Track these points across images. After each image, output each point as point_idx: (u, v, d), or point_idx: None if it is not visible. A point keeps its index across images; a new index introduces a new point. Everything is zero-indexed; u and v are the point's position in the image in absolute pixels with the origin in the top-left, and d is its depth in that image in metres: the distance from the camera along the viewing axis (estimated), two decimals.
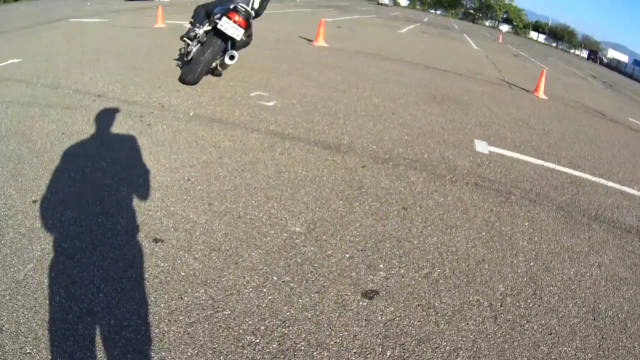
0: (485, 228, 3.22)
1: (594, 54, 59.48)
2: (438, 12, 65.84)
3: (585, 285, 2.78)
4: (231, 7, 5.11)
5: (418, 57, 11.19)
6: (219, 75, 6.01)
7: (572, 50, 63.77)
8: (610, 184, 4.75)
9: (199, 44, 5.42)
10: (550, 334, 2.28)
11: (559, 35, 66.73)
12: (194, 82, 5.48)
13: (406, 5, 66.93)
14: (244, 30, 5.18)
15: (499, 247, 3.00)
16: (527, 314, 2.41)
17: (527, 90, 9.22)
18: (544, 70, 9.75)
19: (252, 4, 5.48)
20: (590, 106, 9.91)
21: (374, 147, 4.36)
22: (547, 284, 2.71)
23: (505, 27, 62.66)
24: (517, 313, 2.40)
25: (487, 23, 64.35)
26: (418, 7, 66.83)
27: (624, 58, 64.08)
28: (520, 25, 63.66)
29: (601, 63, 56.34)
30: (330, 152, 4.06)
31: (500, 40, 28.72)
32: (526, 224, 3.41)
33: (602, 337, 2.34)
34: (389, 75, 8.02)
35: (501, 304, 2.45)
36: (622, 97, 17.35)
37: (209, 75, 5.80)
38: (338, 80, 6.86)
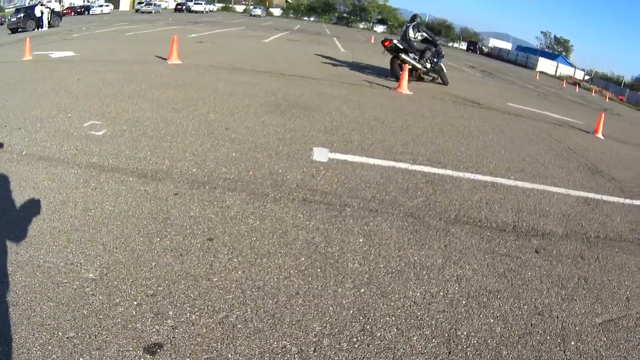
0: (305, 252, 3.01)
1: (474, 45, 66.18)
2: (312, 18, 68.65)
3: (437, 309, 2.63)
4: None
5: (274, 66, 11.34)
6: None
7: (451, 44, 70.13)
8: (479, 177, 4.81)
9: None
10: None
11: (436, 29, 73.10)
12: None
13: (279, 14, 68.93)
14: (384, 48, 10.97)
15: (320, 275, 2.78)
16: (350, 358, 2.18)
17: (389, 88, 9.59)
18: (406, 65, 10.22)
19: (407, 34, 10.96)
20: (462, 96, 10.63)
21: (194, 169, 4.23)
22: (382, 315, 2.52)
23: (380, 28, 67.36)
24: (336, 358, 2.17)
25: (361, 25, 68.64)
26: (291, 15, 69.31)
27: (507, 46, 72.69)
28: (396, 24, 68.55)
29: (481, 53, 62.91)
30: (145, 181, 3.95)
31: (372, 41, 30.55)
32: (360, 240, 3.25)
33: None
34: (236, 88, 7.90)
35: (315, 349, 2.22)
36: (502, 84, 19.26)
37: (57, 110, 5.96)
38: (179, 99, 6.75)
